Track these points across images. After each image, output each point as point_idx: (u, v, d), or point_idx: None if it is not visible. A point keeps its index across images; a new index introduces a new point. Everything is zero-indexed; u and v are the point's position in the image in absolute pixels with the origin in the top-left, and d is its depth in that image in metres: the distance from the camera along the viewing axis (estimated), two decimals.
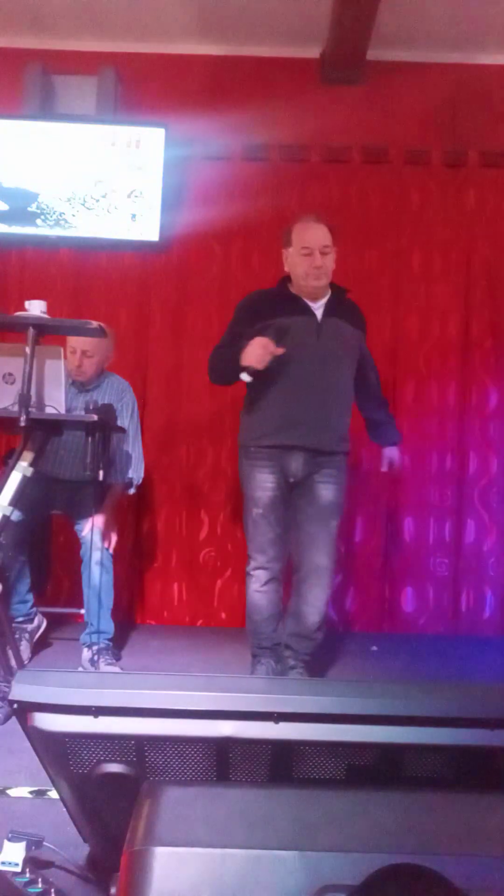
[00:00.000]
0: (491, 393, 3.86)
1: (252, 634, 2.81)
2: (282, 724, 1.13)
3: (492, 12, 3.62)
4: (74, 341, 2.98)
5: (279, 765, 1.20)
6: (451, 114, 3.94)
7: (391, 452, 3.03)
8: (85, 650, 2.97)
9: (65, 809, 1.37)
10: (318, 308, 2.73)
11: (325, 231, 2.69)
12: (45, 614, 3.24)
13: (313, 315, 2.71)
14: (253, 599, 2.75)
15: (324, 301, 2.75)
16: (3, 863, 1.45)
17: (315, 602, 2.72)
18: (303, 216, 2.77)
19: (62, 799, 1.33)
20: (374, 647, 3.51)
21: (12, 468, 2.34)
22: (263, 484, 2.71)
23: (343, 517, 2.89)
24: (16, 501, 2.33)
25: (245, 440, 2.79)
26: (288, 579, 2.83)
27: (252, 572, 2.75)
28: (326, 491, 2.71)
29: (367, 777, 1.20)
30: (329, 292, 2.77)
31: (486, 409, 3.87)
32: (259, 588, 2.73)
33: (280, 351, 2.55)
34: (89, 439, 2.42)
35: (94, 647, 2.96)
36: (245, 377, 2.57)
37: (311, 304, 2.73)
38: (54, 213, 3.83)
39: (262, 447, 2.71)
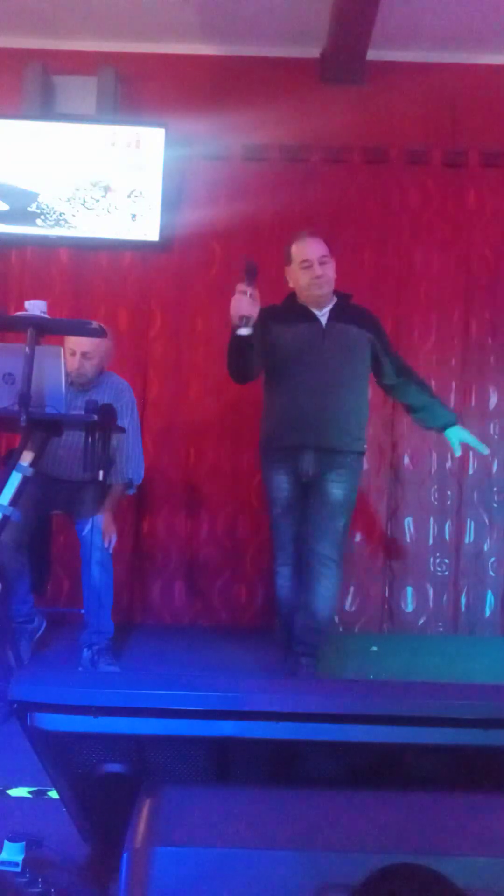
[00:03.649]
0: (491, 393, 3.86)
1: (282, 629, 2.92)
2: (282, 724, 1.13)
3: (492, 12, 3.62)
4: (74, 343, 2.96)
5: (279, 765, 1.20)
6: (451, 114, 3.94)
7: (454, 434, 2.91)
8: (85, 650, 2.97)
9: (65, 809, 1.37)
10: (323, 315, 2.86)
11: (320, 243, 2.83)
12: (45, 614, 3.24)
13: (318, 321, 2.84)
14: (281, 595, 2.90)
15: (328, 308, 2.87)
16: (3, 863, 1.45)
17: (324, 592, 2.78)
18: (297, 233, 2.90)
19: (62, 799, 1.33)
20: (374, 648, 3.52)
21: (12, 468, 2.34)
22: (280, 486, 2.85)
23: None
24: (16, 501, 2.33)
25: (262, 443, 2.94)
26: None
27: (278, 569, 2.90)
28: (336, 489, 2.80)
29: (367, 777, 1.20)
30: (334, 300, 2.89)
31: (486, 409, 3.87)
32: (285, 584, 2.87)
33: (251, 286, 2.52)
34: (89, 439, 2.42)
35: (94, 647, 2.96)
36: (243, 331, 2.53)
37: (316, 312, 2.86)
38: (54, 213, 3.83)
39: (275, 449, 2.86)
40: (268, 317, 2.81)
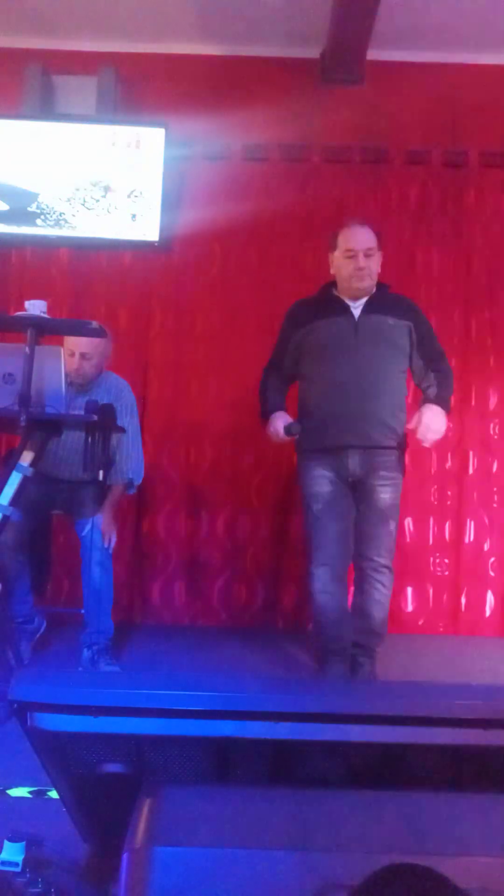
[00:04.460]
0: (491, 393, 3.85)
1: (319, 637, 2.82)
2: (282, 724, 1.13)
3: (492, 12, 3.62)
4: (72, 344, 2.95)
5: (279, 765, 1.20)
6: (451, 114, 3.94)
7: (425, 411, 2.68)
8: (85, 650, 2.97)
9: (65, 809, 1.37)
10: (358, 307, 2.78)
11: (369, 234, 2.76)
12: (45, 614, 3.23)
13: (350, 314, 2.77)
14: (319, 601, 2.76)
15: (364, 299, 2.79)
16: (3, 863, 1.46)
17: (380, 598, 2.78)
18: (348, 221, 2.85)
19: (62, 799, 1.33)
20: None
21: (12, 468, 2.34)
22: (321, 480, 2.75)
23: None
24: (16, 501, 2.33)
25: (301, 444, 2.84)
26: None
27: (315, 570, 2.75)
28: (385, 493, 2.75)
29: (367, 777, 1.20)
30: (372, 290, 2.82)
31: (486, 409, 3.86)
32: (324, 588, 2.74)
33: (287, 439, 2.76)
34: (89, 439, 2.42)
35: (94, 647, 2.96)
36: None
37: (350, 303, 2.78)
38: (54, 213, 3.83)
39: (317, 450, 2.77)
40: (300, 314, 2.80)
